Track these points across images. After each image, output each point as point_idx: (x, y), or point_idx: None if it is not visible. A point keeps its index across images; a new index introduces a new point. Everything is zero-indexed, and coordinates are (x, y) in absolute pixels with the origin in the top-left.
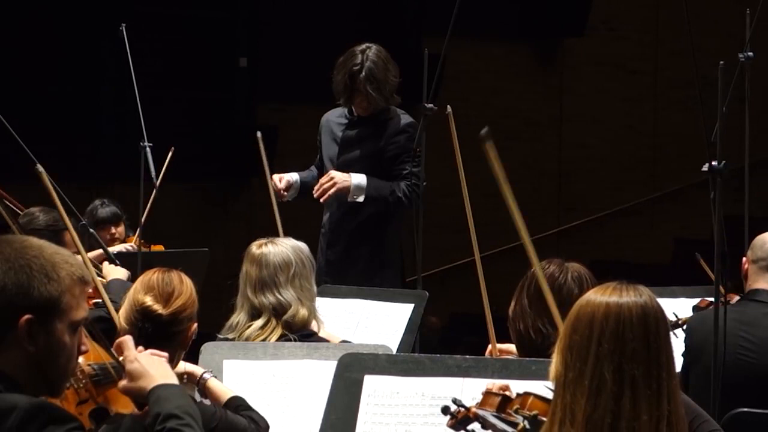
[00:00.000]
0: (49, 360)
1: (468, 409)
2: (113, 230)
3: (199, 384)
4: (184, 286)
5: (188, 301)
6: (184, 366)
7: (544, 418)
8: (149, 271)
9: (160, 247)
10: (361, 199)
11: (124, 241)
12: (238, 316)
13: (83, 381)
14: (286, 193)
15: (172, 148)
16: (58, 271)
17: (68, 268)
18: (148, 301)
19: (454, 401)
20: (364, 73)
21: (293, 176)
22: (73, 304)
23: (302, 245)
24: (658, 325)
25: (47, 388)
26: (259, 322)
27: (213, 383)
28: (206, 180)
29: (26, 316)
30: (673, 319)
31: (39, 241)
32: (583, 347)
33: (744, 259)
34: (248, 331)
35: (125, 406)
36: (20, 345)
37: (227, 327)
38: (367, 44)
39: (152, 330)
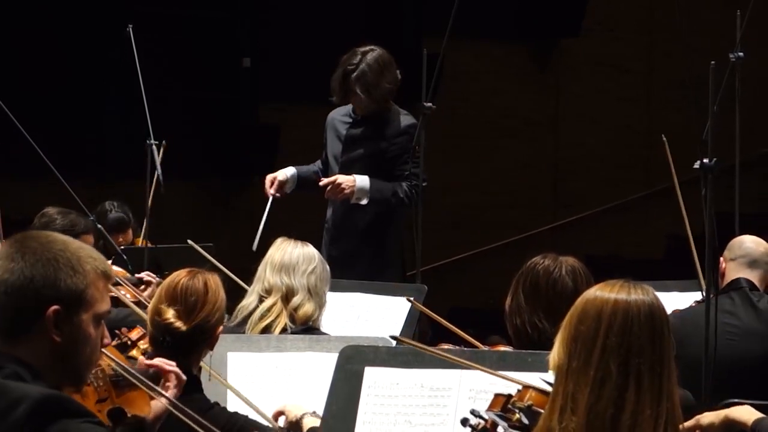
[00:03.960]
0: (74, 350)
1: (486, 420)
2: (120, 239)
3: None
4: (210, 294)
5: (213, 309)
6: (283, 406)
7: (540, 409)
8: (177, 273)
9: None
10: (364, 201)
11: (132, 244)
12: (248, 300)
13: (103, 380)
14: (277, 194)
15: (163, 142)
16: (83, 264)
17: (92, 262)
18: (170, 317)
19: (473, 413)
20: (356, 74)
21: (290, 171)
22: (97, 297)
23: (326, 265)
24: (663, 326)
25: (72, 378)
26: (267, 302)
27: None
28: (210, 178)
29: (53, 307)
30: None
31: (63, 237)
32: (589, 338)
33: (721, 259)
34: (256, 312)
35: (142, 409)
36: (46, 335)
37: (235, 313)
38: (372, 47)
39: (172, 342)
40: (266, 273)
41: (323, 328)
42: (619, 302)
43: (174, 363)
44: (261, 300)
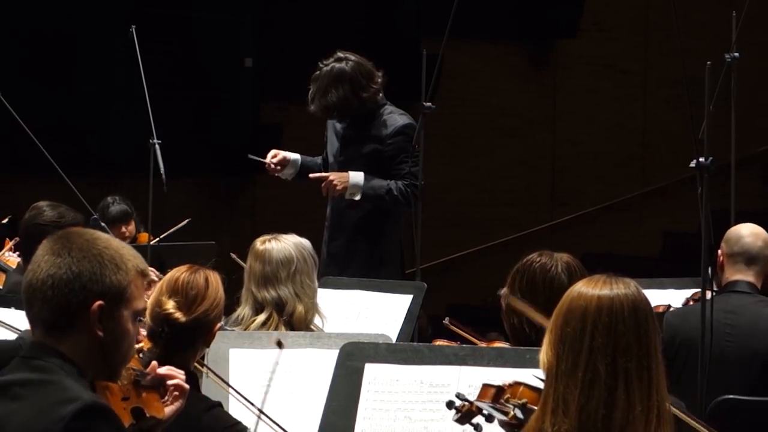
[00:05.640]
0: (114, 345)
1: (471, 403)
2: (123, 229)
3: None
4: (210, 289)
5: (213, 304)
6: None
7: (533, 406)
8: (179, 268)
9: None
10: (357, 197)
11: (134, 238)
12: (243, 310)
13: (127, 379)
14: (278, 167)
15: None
16: (125, 262)
17: (133, 260)
18: (170, 308)
19: (458, 396)
20: (316, 73)
21: (294, 155)
22: (136, 295)
23: (305, 242)
24: (647, 317)
25: (108, 372)
26: (261, 317)
27: None
28: (212, 176)
29: (98, 302)
30: None
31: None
32: (576, 340)
33: (719, 251)
34: (253, 326)
35: (157, 411)
36: (89, 329)
37: (233, 320)
38: (349, 58)
39: (170, 334)
40: (252, 287)
41: (324, 312)
42: (603, 299)
43: (183, 372)
44: (256, 312)
